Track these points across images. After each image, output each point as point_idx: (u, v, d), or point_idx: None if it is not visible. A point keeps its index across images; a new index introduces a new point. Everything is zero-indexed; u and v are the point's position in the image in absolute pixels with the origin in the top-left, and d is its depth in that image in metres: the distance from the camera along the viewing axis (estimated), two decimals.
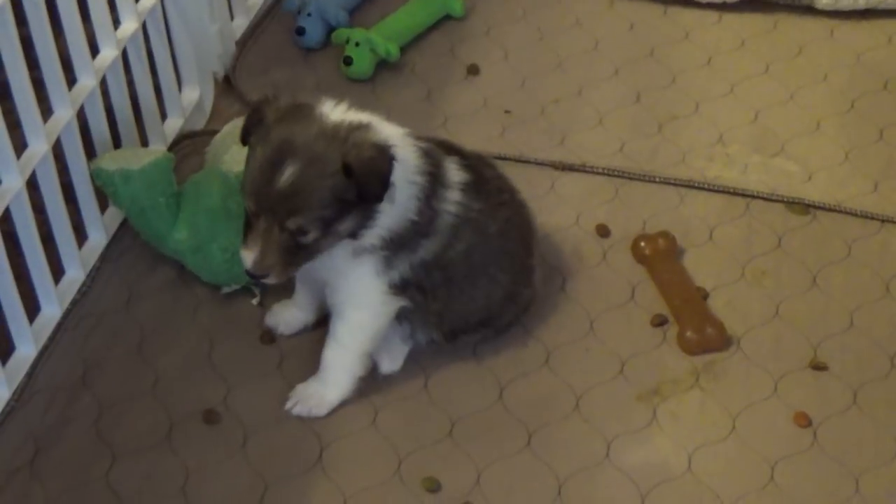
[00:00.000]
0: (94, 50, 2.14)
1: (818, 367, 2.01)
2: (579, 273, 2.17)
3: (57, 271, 2.09)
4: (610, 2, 2.80)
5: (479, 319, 1.99)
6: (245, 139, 1.80)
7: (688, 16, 2.76)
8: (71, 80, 2.07)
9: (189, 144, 2.42)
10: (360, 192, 1.74)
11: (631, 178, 2.35)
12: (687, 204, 2.30)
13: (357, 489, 1.84)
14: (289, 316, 2.06)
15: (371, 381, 1.96)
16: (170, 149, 2.36)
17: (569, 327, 2.08)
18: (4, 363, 1.97)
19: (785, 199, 2.29)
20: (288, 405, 1.94)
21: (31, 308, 2.03)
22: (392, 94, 2.55)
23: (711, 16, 2.76)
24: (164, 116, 2.39)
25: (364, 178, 1.73)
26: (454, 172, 1.89)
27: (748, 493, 1.84)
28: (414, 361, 2.01)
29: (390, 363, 1.99)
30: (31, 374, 1.99)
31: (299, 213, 1.73)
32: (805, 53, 2.66)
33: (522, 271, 2.02)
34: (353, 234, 1.79)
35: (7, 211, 1.92)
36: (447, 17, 2.75)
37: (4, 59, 1.90)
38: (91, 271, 2.15)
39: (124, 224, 2.22)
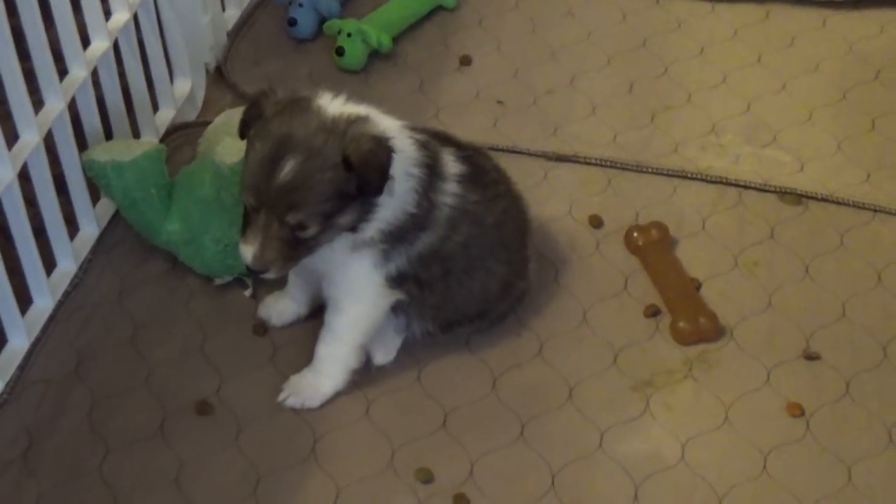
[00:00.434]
0: (86, 41, 2.14)
1: (811, 356, 2.01)
2: (572, 264, 2.17)
3: (49, 263, 2.09)
4: None
5: (474, 311, 2.00)
6: (243, 133, 1.79)
7: (680, 6, 2.76)
8: (62, 72, 2.07)
9: (181, 136, 2.41)
10: (360, 185, 1.74)
11: (624, 169, 2.35)
12: (680, 194, 2.30)
13: (350, 480, 1.84)
14: (281, 307, 2.06)
15: (364, 373, 1.96)
16: (162, 140, 2.35)
17: (562, 318, 2.08)
18: None
19: (777, 190, 2.29)
20: (281, 397, 1.94)
21: (24, 300, 2.02)
22: (384, 85, 2.55)
23: (704, 6, 2.76)
24: (155, 108, 2.39)
25: (364, 171, 1.73)
26: (451, 164, 1.89)
27: (741, 483, 1.84)
28: (407, 353, 2.01)
29: (384, 354, 1.99)
30: (23, 367, 1.99)
31: (300, 208, 1.73)
32: (797, 44, 2.66)
33: (518, 263, 2.02)
34: (353, 228, 1.79)
35: None
36: (439, 8, 2.75)
37: None
38: (83, 263, 2.15)
39: (116, 216, 2.22)
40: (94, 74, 2.14)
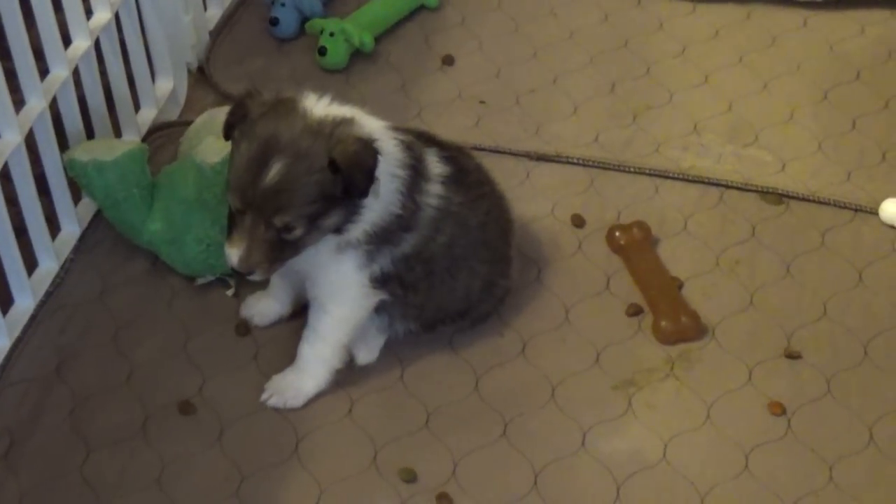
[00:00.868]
0: (67, 40, 2.13)
1: (792, 355, 2.02)
2: (555, 263, 2.17)
3: (30, 263, 2.08)
4: None
5: (457, 310, 2.00)
6: (228, 134, 1.79)
7: (662, 6, 2.76)
8: (43, 71, 2.06)
9: (163, 135, 2.41)
10: (346, 188, 1.74)
11: (606, 168, 2.35)
12: (661, 194, 2.31)
13: (333, 480, 1.84)
14: (264, 307, 2.05)
15: (347, 372, 1.96)
16: (144, 140, 2.35)
17: (544, 317, 2.08)
18: None
19: (759, 189, 2.30)
20: (263, 397, 1.94)
21: (5, 300, 2.02)
22: (367, 85, 2.55)
23: (685, 6, 2.76)
24: (137, 107, 2.38)
25: (350, 173, 1.73)
26: (435, 165, 1.89)
27: (723, 482, 1.85)
28: (390, 352, 2.01)
29: (367, 354, 1.99)
30: (4, 367, 1.98)
31: (286, 211, 1.72)
32: (778, 44, 2.67)
33: (500, 263, 2.02)
34: (338, 229, 1.79)
35: None
36: (422, 8, 2.75)
37: None
38: (65, 263, 2.14)
39: (98, 215, 2.21)
40: (76, 74, 2.14)
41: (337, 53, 2.56)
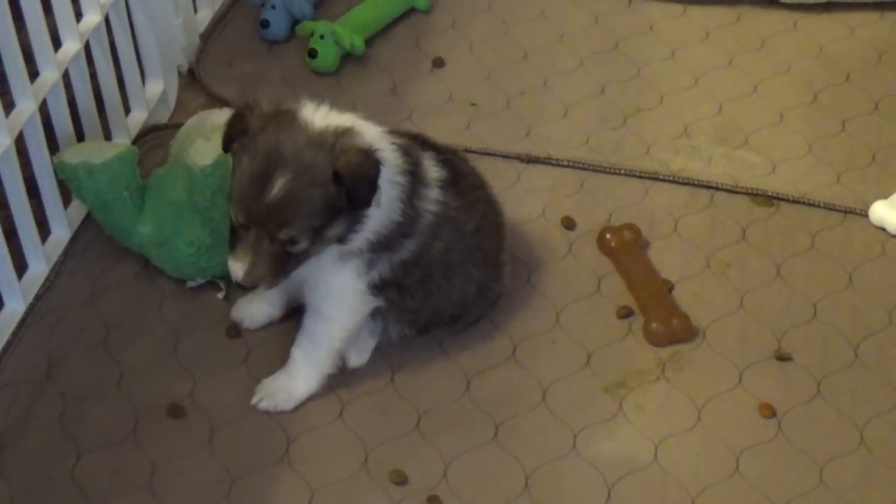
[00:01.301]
0: (57, 43, 2.13)
1: (782, 357, 2.02)
2: (545, 265, 2.17)
3: (20, 266, 2.08)
4: None
5: (451, 314, 2.00)
6: (227, 147, 1.78)
7: (652, 8, 2.77)
8: (33, 73, 2.06)
9: (153, 138, 2.40)
10: (349, 199, 1.73)
11: (596, 171, 2.35)
12: (652, 196, 2.31)
13: (324, 482, 1.84)
14: (255, 310, 2.05)
15: (338, 375, 1.96)
16: (134, 142, 2.35)
17: (535, 320, 2.08)
18: None
19: (749, 191, 2.30)
20: (254, 400, 1.93)
21: None
22: (357, 87, 2.55)
23: (675, 8, 2.77)
24: (127, 110, 2.38)
25: (354, 185, 1.72)
26: (432, 169, 1.89)
27: (714, 484, 1.85)
28: (381, 355, 2.01)
29: (358, 357, 1.99)
30: None
31: (291, 225, 1.72)
32: (768, 46, 2.67)
33: (494, 267, 2.03)
34: (342, 239, 1.79)
35: None
36: (412, 10, 2.75)
37: None
38: (55, 266, 2.14)
39: (88, 218, 2.21)
40: (66, 76, 2.13)
41: (327, 56, 2.56)
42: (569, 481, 1.85)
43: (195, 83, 2.55)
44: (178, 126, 2.31)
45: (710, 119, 2.48)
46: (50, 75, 2.08)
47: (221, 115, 2.21)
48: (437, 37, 2.69)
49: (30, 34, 2.04)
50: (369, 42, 2.64)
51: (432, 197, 1.87)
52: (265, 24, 2.64)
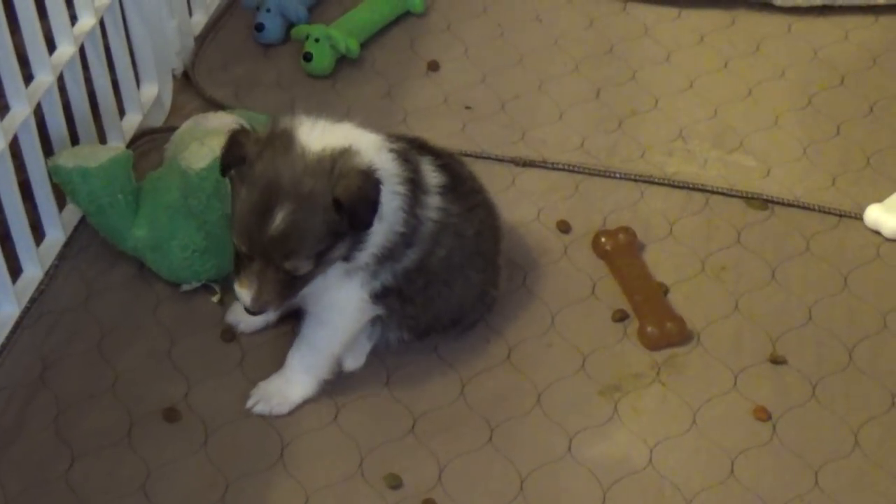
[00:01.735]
0: (52, 46, 2.12)
1: (777, 360, 2.02)
2: (540, 269, 2.17)
3: (15, 269, 2.07)
4: None
5: (449, 319, 2.00)
6: (224, 172, 1.76)
7: (647, 12, 2.77)
8: (28, 77, 2.06)
9: (148, 141, 2.40)
10: (350, 223, 1.72)
11: (591, 174, 2.35)
12: (647, 199, 2.31)
13: (319, 486, 1.84)
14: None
15: (333, 379, 1.96)
16: (128, 146, 2.34)
17: (530, 323, 2.08)
18: None
19: (744, 194, 2.31)
20: (249, 403, 1.93)
21: None
22: (352, 91, 2.54)
23: (670, 12, 2.77)
24: (122, 113, 2.38)
25: (354, 210, 1.71)
26: (431, 175, 1.88)
27: (709, 487, 1.85)
28: (376, 358, 2.01)
29: (353, 360, 1.99)
30: None
31: (295, 255, 1.71)
32: (763, 49, 2.68)
33: (492, 271, 2.03)
34: (347, 258, 1.78)
35: None
36: (407, 13, 2.75)
37: None
38: (49, 269, 2.13)
39: (82, 222, 2.21)
40: (60, 80, 2.13)
41: (322, 59, 2.56)
42: (564, 484, 1.85)
43: (190, 86, 2.55)
44: (173, 129, 2.30)
45: (705, 122, 2.48)
46: (44, 79, 2.08)
47: (216, 119, 2.22)
48: (432, 40, 2.69)
49: (24, 37, 2.04)
50: (364, 45, 2.64)
51: (433, 204, 1.86)
52: (260, 28, 2.64)
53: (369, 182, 1.72)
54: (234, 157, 1.74)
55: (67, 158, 2.07)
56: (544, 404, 1.96)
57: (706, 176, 2.35)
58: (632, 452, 1.89)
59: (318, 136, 1.74)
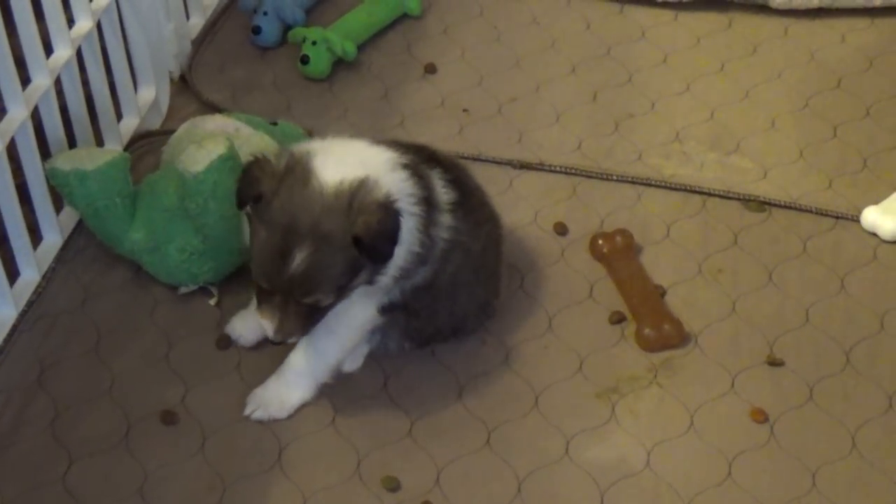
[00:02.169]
0: (49, 49, 2.12)
1: (774, 362, 2.02)
2: (538, 271, 2.17)
3: (12, 272, 2.07)
4: (567, 0, 2.81)
5: (451, 329, 2.00)
6: (240, 206, 1.75)
7: (644, 15, 2.77)
8: (25, 80, 2.05)
9: (145, 144, 2.40)
10: (371, 257, 1.72)
11: (588, 176, 2.36)
12: (644, 201, 2.31)
13: (316, 489, 1.84)
14: (250, 326, 2.01)
15: (331, 381, 1.96)
16: (126, 148, 2.34)
17: (527, 325, 2.08)
18: None
19: (741, 197, 2.31)
20: (247, 411, 1.92)
21: None
22: (349, 94, 2.54)
23: (667, 14, 2.77)
24: (119, 116, 2.38)
25: (374, 246, 1.70)
26: (443, 192, 1.86)
27: (706, 489, 1.85)
28: (374, 361, 2.00)
29: (351, 363, 1.98)
30: None
31: (316, 292, 1.72)
32: (760, 52, 2.68)
33: (494, 282, 2.04)
34: (369, 282, 1.78)
35: None
36: (404, 16, 2.75)
37: None
38: (46, 272, 2.13)
39: (80, 224, 2.21)
40: (58, 83, 2.13)
41: (319, 62, 2.56)
42: (561, 487, 1.85)
43: (187, 89, 2.55)
44: (170, 132, 2.30)
45: (702, 125, 2.49)
46: (42, 82, 2.08)
47: (214, 122, 2.22)
48: (429, 43, 2.69)
49: (21, 40, 2.04)
50: (361, 48, 2.64)
51: (445, 223, 1.85)
52: (257, 31, 2.64)
53: (388, 216, 1.71)
54: (250, 193, 1.72)
55: (64, 161, 2.07)
56: (542, 407, 1.96)
57: (703, 178, 2.35)
58: (629, 454, 1.89)
59: (334, 165, 1.72)
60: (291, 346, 1.92)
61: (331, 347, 1.90)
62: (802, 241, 2.24)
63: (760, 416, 1.94)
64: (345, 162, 1.74)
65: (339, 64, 2.60)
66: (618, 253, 2.17)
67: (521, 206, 2.29)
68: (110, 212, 2.07)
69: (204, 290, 2.11)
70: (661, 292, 2.13)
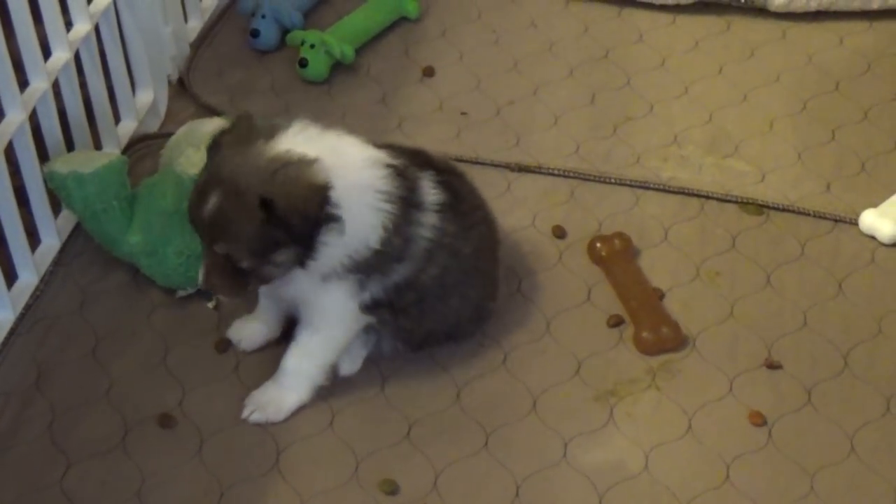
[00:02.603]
0: (47, 52, 2.12)
1: (772, 366, 2.02)
2: (536, 274, 2.17)
3: (10, 275, 2.07)
4: (565, 3, 2.81)
5: (445, 332, 2.00)
6: (208, 154, 1.79)
7: (642, 17, 2.77)
8: (23, 83, 2.05)
9: (143, 147, 2.40)
10: (286, 231, 1.71)
11: (586, 179, 2.36)
12: (642, 205, 2.31)
13: (314, 492, 1.83)
14: (251, 331, 2.03)
15: (328, 384, 1.96)
16: (124, 152, 2.34)
17: (525, 328, 2.08)
18: None
19: (739, 200, 2.31)
20: (245, 413, 1.92)
21: None
22: (347, 96, 2.55)
23: (665, 17, 2.77)
24: (117, 119, 2.38)
25: (286, 218, 1.69)
26: (429, 192, 1.86)
27: (704, 492, 1.85)
28: (371, 364, 2.00)
29: (349, 366, 1.98)
30: None
31: (221, 241, 1.74)
32: (758, 55, 2.68)
33: (489, 286, 2.03)
34: (300, 264, 1.77)
35: None
36: (402, 19, 2.75)
37: None
38: (44, 275, 2.13)
39: (78, 228, 2.21)
40: (55, 86, 2.13)
41: (317, 65, 2.56)
42: (559, 490, 1.85)
43: (185, 92, 2.55)
44: (168, 135, 2.30)
45: (700, 128, 2.49)
46: (39, 85, 2.08)
47: (212, 125, 2.21)
48: (427, 46, 2.69)
49: (19, 43, 2.04)
50: (359, 51, 2.64)
51: (428, 222, 1.85)
52: (255, 34, 2.64)
53: (312, 196, 1.70)
54: (213, 143, 1.77)
55: (63, 164, 2.07)
56: (540, 410, 1.96)
57: (701, 181, 2.35)
58: (627, 458, 1.89)
59: (295, 141, 1.74)
60: (287, 348, 1.92)
61: (319, 347, 1.90)
62: (800, 244, 2.24)
63: (758, 420, 1.94)
64: (310, 143, 1.75)
65: (338, 67, 2.60)
66: (616, 256, 2.17)
67: (518, 210, 2.29)
68: (108, 215, 2.07)
69: (202, 294, 2.11)
70: (660, 295, 2.13)
